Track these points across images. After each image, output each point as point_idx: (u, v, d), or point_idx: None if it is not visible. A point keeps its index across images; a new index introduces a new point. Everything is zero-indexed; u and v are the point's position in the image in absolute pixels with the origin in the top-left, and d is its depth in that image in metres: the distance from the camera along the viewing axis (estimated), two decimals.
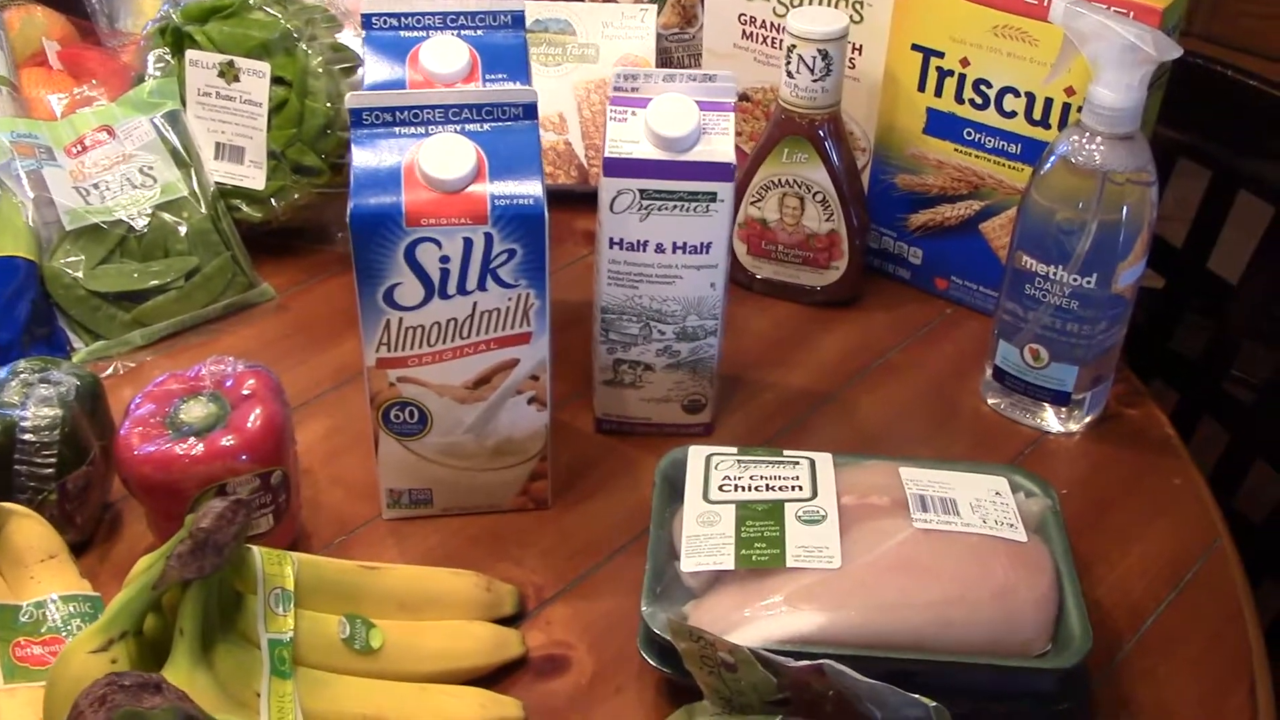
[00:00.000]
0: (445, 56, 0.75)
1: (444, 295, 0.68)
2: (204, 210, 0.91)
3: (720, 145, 0.73)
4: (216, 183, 0.94)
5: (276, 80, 0.92)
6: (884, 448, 0.83)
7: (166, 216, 0.90)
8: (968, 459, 0.82)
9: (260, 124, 0.93)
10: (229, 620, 0.58)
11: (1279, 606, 0.97)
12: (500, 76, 0.75)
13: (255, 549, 0.60)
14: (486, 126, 0.68)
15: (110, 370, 0.87)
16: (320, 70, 0.92)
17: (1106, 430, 0.85)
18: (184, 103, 0.94)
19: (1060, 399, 0.83)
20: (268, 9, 0.92)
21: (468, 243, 0.66)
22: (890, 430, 0.85)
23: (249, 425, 0.68)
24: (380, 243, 0.66)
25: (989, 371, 0.86)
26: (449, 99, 0.68)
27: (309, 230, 0.98)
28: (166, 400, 0.69)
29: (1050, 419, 0.84)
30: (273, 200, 0.94)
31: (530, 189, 0.67)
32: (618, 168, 0.73)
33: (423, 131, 0.68)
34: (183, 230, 0.90)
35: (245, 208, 0.94)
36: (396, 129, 0.68)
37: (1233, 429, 1.01)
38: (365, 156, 0.67)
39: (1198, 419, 1.02)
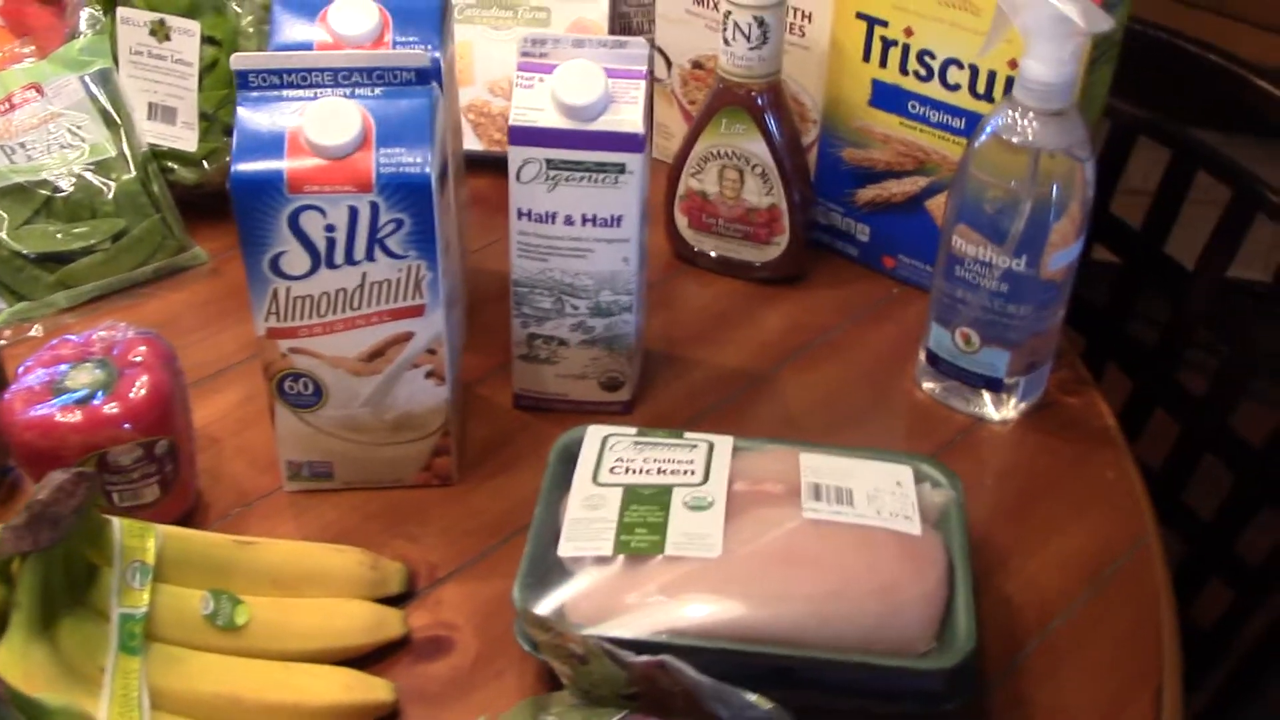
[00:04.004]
0: (353, 17, 0.73)
1: (331, 265, 0.66)
2: (133, 171, 0.90)
3: (629, 115, 0.71)
4: (149, 144, 0.92)
5: (207, 40, 0.91)
6: (809, 432, 0.81)
7: (93, 177, 0.89)
8: (897, 445, 0.80)
9: (192, 84, 0.91)
10: (79, 593, 0.57)
11: (1222, 609, 0.94)
12: (411, 39, 0.73)
13: (115, 520, 0.59)
14: (377, 90, 0.66)
15: (32, 332, 0.86)
16: (251, 30, 0.90)
17: (1043, 418, 0.82)
18: (116, 62, 0.92)
19: (993, 384, 0.80)
20: None
21: (353, 211, 0.64)
22: (818, 413, 0.83)
23: (133, 394, 0.66)
24: (262, 209, 0.64)
25: (922, 355, 0.83)
26: (338, 62, 0.66)
27: None
28: (55, 365, 0.68)
29: (984, 405, 0.82)
30: (205, 162, 0.92)
31: (418, 157, 0.64)
32: (523, 136, 0.71)
33: (311, 95, 0.66)
34: (110, 192, 0.89)
35: (178, 169, 0.93)
36: (284, 92, 0.66)
37: (1182, 420, 0.98)
38: (250, 119, 0.65)
39: (1152, 408, 0.98)
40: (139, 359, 0.68)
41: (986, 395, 0.81)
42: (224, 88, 0.91)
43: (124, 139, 0.90)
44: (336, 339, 0.68)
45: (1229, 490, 0.93)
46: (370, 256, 0.66)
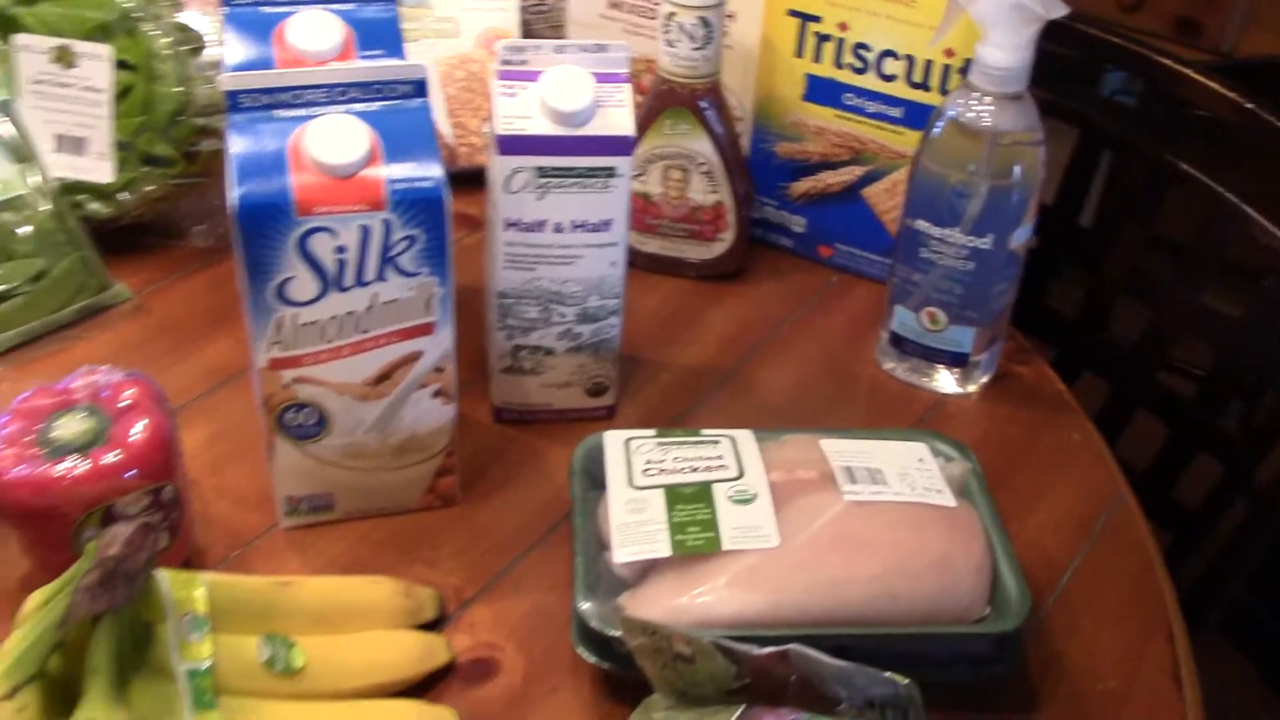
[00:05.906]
0: (316, 32, 0.70)
1: (341, 288, 0.64)
2: (47, 208, 0.84)
3: (617, 118, 0.70)
4: (58, 177, 0.86)
5: (119, 65, 0.86)
6: (789, 421, 0.82)
7: (5, 216, 0.83)
8: (875, 426, 0.82)
9: (103, 112, 0.86)
10: (141, 653, 0.53)
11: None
12: (377, 53, 0.71)
13: (162, 572, 0.55)
14: (376, 106, 0.64)
15: None
16: (169, 52, 0.86)
17: (1001, 390, 0.86)
18: (16, 92, 0.86)
19: (958, 360, 0.84)
20: None
21: (365, 231, 0.62)
22: (792, 403, 0.84)
23: (133, 439, 0.62)
24: (270, 234, 0.61)
25: (884, 337, 0.86)
26: (333, 77, 0.64)
27: (161, 225, 0.92)
28: (36, 417, 0.63)
29: (948, 382, 0.85)
30: (122, 194, 0.87)
31: (429, 170, 0.63)
32: (513, 145, 0.70)
33: (305, 114, 0.63)
34: (24, 231, 0.83)
35: (92, 203, 0.88)
36: (276, 111, 0.63)
37: (1113, 380, 1.04)
38: (245, 142, 0.62)
39: (1077, 372, 1.04)
40: (129, 402, 0.64)
41: (947, 371, 0.85)
42: (139, 114, 0.86)
43: (33, 174, 0.84)
44: (343, 364, 0.66)
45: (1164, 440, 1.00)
46: (381, 276, 0.64)
